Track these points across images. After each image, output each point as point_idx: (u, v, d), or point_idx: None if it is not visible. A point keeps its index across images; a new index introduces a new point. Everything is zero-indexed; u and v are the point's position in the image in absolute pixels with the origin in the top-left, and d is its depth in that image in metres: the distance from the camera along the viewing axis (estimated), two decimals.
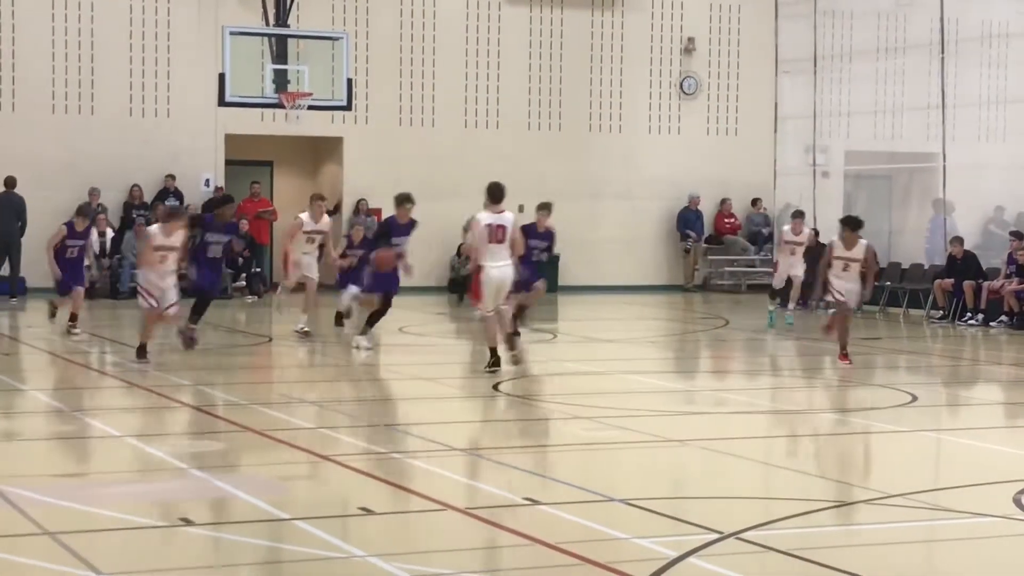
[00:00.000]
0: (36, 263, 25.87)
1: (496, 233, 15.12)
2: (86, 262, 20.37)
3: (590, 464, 10.99)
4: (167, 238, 16.33)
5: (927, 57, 26.28)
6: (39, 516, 8.48)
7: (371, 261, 17.72)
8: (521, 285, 17.72)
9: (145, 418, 12.98)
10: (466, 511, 8.73)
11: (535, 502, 9.05)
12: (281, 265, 20.69)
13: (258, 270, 27.83)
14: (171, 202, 27.46)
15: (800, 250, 22.26)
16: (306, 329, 19.09)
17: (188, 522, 8.33)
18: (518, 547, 8.00)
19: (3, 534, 8.01)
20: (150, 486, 9.69)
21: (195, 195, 27.78)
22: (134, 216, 26.93)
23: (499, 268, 15.21)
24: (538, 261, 18.49)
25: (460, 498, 9.15)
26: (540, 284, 18.64)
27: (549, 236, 18.81)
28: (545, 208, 18.78)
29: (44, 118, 26.82)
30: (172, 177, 27.55)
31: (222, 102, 24.45)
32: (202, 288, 17.70)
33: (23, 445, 11.54)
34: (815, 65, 27.62)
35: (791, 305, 22.23)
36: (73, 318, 19.20)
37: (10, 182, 25.54)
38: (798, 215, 22.99)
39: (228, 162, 28.24)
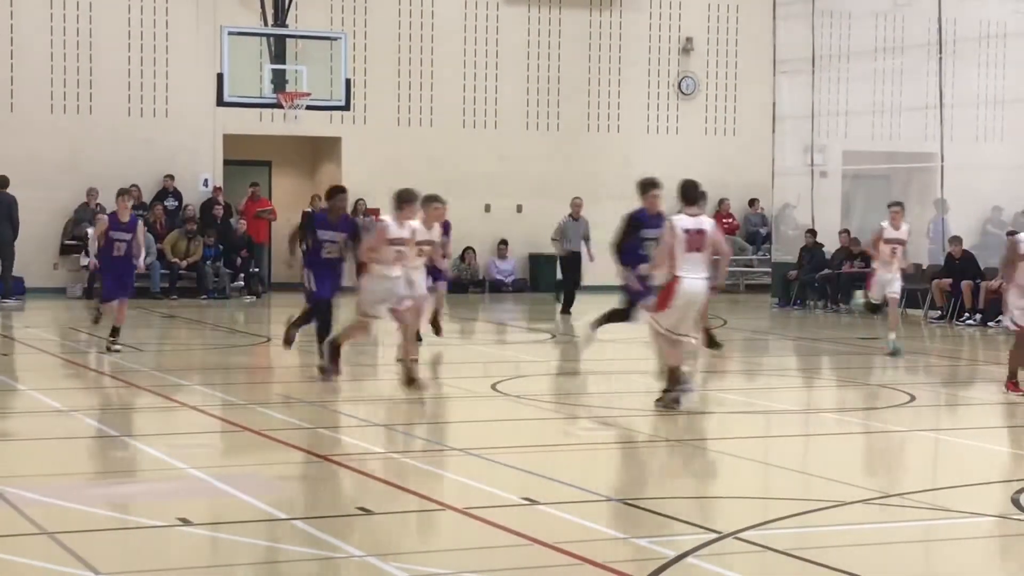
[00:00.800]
0: (32, 263, 25.95)
1: (695, 240, 12.79)
2: (136, 261, 17.40)
3: (589, 464, 10.99)
4: (401, 229, 13.95)
5: (925, 57, 26.31)
6: (38, 516, 8.48)
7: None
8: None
9: (145, 418, 12.98)
10: (465, 511, 8.73)
11: (534, 502, 9.05)
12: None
13: (256, 270, 27.81)
14: (170, 203, 27.55)
15: (901, 250, 17.79)
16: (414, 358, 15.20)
17: (186, 522, 8.33)
18: (517, 547, 8.00)
19: (2, 534, 8.01)
20: (149, 486, 9.69)
21: (194, 195, 27.83)
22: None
23: (696, 281, 12.81)
24: None
25: (459, 498, 9.15)
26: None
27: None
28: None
29: (43, 118, 26.84)
30: (171, 177, 27.59)
31: (220, 102, 24.49)
32: (324, 297, 15.30)
33: (22, 445, 11.53)
34: (813, 65, 27.63)
35: (892, 334, 17.91)
36: (114, 332, 17.09)
37: (2, 182, 25.50)
38: (897, 204, 18.26)
39: (226, 162, 28.27)
